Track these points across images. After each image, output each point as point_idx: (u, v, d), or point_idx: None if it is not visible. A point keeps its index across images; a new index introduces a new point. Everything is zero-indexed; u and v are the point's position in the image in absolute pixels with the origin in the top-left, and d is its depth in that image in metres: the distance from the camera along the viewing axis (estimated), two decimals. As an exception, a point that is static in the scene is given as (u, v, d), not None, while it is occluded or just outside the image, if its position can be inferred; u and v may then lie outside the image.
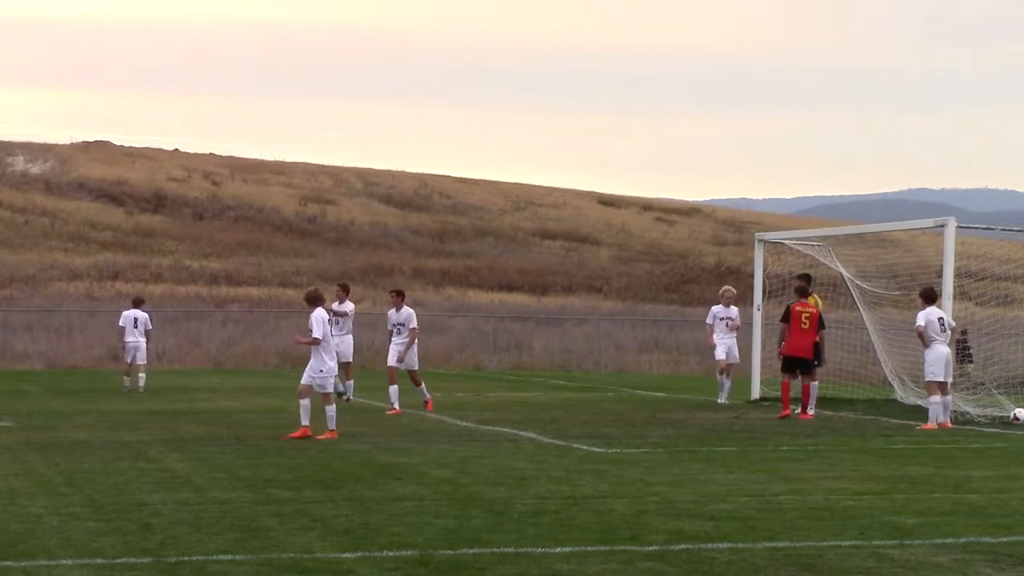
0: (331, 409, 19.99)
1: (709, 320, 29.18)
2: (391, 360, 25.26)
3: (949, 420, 23.37)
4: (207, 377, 38.99)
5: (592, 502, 13.57)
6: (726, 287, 29.79)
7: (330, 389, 20.12)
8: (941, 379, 23.17)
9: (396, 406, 25.03)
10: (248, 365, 44.86)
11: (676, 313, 62.34)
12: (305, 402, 19.85)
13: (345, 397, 26.88)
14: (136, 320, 31.52)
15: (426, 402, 25.83)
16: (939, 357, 23.13)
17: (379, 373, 44.49)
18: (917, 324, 23.37)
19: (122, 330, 31.64)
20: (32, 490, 14.25)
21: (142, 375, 31.41)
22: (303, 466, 16.42)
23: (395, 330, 25.42)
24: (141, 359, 31.50)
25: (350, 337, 27.48)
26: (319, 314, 19.95)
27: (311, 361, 20.02)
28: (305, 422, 19.78)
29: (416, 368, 25.63)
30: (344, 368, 26.11)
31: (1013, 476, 16.18)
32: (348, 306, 27.45)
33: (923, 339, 23.28)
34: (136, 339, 31.41)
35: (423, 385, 25.83)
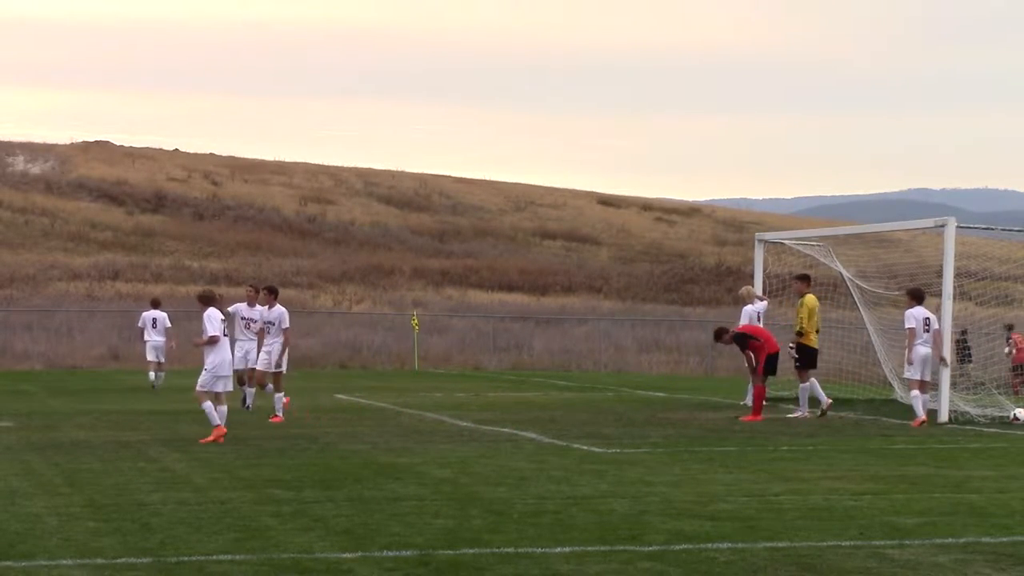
0: (222, 408, 19.74)
1: None
2: (261, 363, 23.78)
3: (925, 416, 23.42)
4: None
5: (592, 502, 13.57)
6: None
7: (220, 389, 19.72)
8: (917, 378, 23.66)
9: (249, 405, 24.23)
10: (248, 365, 44.75)
11: (676, 313, 62.37)
12: (207, 404, 19.75)
13: (246, 405, 24.93)
14: (155, 320, 33.35)
15: (274, 416, 22.87)
16: (916, 358, 23.60)
17: (378, 373, 44.62)
18: (908, 326, 23.68)
19: (141, 330, 33.69)
20: (32, 490, 14.24)
21: (161, 373, 32.99)
22: (303, 466, 16.42)
23: (265, 329, 23.90)
24: (161, 357, 33.19)
25: (253, 343, 24.48)
26: (212, 313, 19.86)
27: (205, 361, 19.87)
28: (215, 423, 19.65)
29: (283, 371, 23.85)
30: (248, 373, 24.55)
31: (1013, 476, 16.18)
32: (238, 308, 25.14)
33: (911, 340, 23.60)
34: (154, 339, 33.17)
35: (282, 393, 23.37)
